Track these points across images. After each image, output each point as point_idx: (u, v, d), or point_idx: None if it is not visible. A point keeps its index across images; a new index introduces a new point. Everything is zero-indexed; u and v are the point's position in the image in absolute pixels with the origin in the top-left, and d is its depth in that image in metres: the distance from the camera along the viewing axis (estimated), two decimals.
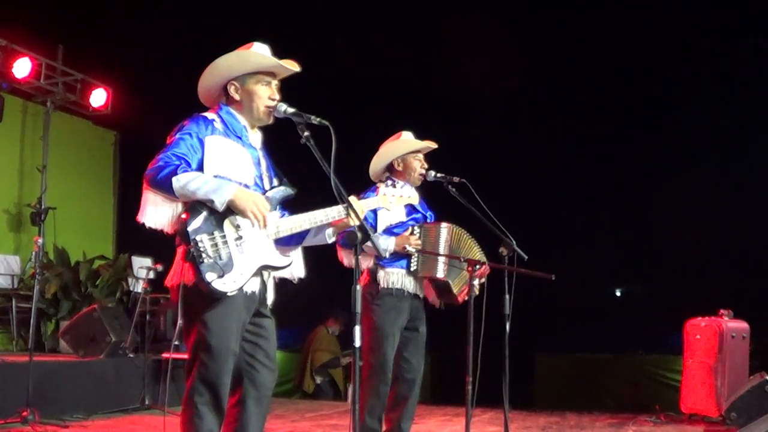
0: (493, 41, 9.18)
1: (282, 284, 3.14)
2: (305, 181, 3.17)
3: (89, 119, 10.12)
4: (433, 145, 4.42)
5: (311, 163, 2.90)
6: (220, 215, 2.85)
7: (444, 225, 4.30)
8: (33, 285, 5.81)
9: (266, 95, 3.06)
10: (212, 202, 2.80)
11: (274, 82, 3.11)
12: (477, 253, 4.30)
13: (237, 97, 3.07)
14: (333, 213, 3.05)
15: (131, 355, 6.73)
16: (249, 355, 2.96)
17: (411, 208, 4.30)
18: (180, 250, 2.86)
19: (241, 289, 2.85)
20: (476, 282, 4.20)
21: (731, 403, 5.83)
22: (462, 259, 4.15)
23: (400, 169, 4.37)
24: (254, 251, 2.91)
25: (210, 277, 2.76)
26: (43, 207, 5.71)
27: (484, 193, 4.11)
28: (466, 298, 4.11)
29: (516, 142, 9.82)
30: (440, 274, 4.26)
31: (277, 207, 3.08)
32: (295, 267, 3.12)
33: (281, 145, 3.31)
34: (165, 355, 6.57)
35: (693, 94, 9.78)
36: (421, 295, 4.38)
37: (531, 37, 9.47)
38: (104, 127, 10.49)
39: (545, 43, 9.69)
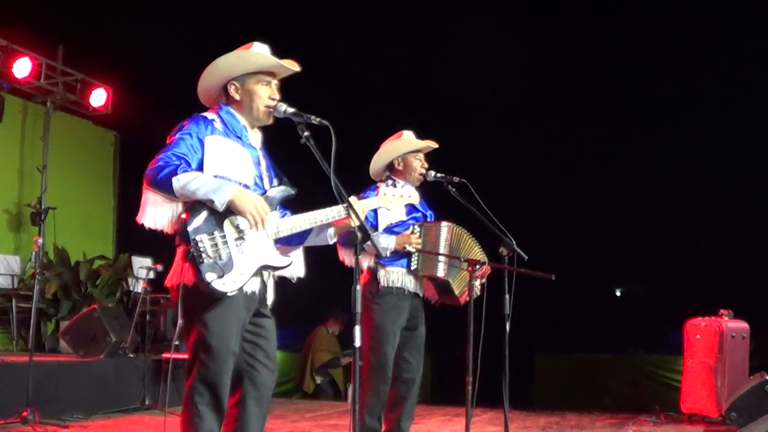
0: (493, 41, 9.18)
1: (282, 284, 3.14)
2: (305, 181, 3.17)
3: (89, 119, 10.11)
4: (434, 145, 4.42)
5: (311, 163, 2.90)
6: (220, 215, 2.85)
7: (444, 224, 4.30)
8: (33, 285, 5.81)
9: (266, 95, 3.06)
10: (212, 202, 2.80)
11: (274, 82, 3.11)
12: (478, 253, 4.31)
13: (237, 96, 3.07)
14: (333, 213, 3.05)
15: (131, 355, 6.72)
16: (249, 355, 2.96)
17: (411, 207, 4.30)
18: (180, 250, 2.86)
19: (241, 289, 2.85)
20: (477, 282, 4.20)
21: (731, 403, 5.83)
22: (462, 259, 4.15)
23: (400, 168, 4.37)
24: (254, 251, 2.91)
25: (210, 277, 2.76)
26: (43, 207, 5.72)
27: (484, 193, 4.11)
28: (468, 299, 4.11)
29: (516, 142, 9.82)
30: (440, 273, 4.27)
31: (278, 207, 3.08)
32: (294, 266, 3.12)
33: (281, 145, 3.30)
34: (165, 355, 6.57)
35: (693, 94, 9.78)
36: (421, 294, 4.39)
37: (531, 37, 9.47)
38: (104, 127, 10.49)
39: (545, 43, 9.69)
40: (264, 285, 3.02)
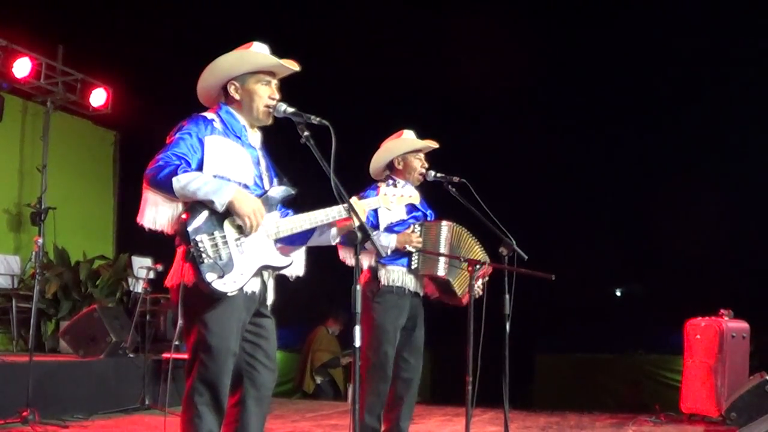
0: (493, 41, 9.18)
1: (282, 284, 3.14)
2: (305, 181, 3.17)
3: (89, 119, 10.12)
4: (434, 145, 4.42)
5: (311, 163, 2.90)
6: (221, 215, 2.84)
7: (444, 223, 4.31)
8: (33, 285, 5.81)
9: (266, 94, 3.06)
10: (212, 203, 2.80)
11: (274, 82, 3.11)
12: (478, 252, 4.31)
13: (237, 96, 3.07)
14: (333, 213, 3.05)
15: (131, 355, 6.73)
16: (249, 355, 2.96)
17: (412, 207, 4.29)
18: (180, 251, 2.86)
19: (241, 289, 2.85)
20: (480, 282, 4.20)
21: (731, 403, 5.83)
22: (462, 259, 4.15)
23: (400, 167, 4.38)
24: (254, 251, 2.91)
25: (210, 277, 2.76)
26: (43, 207, 5.72)
27: (484, 193, 4.11)
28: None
29: (516, 142, 9.82)
30: (441, 272, 4.27)
31: (278, 206, 3.08)
32: (294, 265, 3.12)
33: (281, 145, 3.30)
34: (165, 355, 6.57)
35: (693, 94, 9.77)
36: (421, 293, 4.39)
37: (531, 37, 9.47)
38: (104, 127, 10.49)
39: (545, 43, 9.69)
40: (264, 285, 3.02)
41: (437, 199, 4.47)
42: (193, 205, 2.82)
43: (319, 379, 9.24)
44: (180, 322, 2.85)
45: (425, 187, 4.37)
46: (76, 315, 6.97)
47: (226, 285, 2.79)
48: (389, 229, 4.25)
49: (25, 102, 9.20)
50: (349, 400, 5.52)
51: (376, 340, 4.20)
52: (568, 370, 10.63)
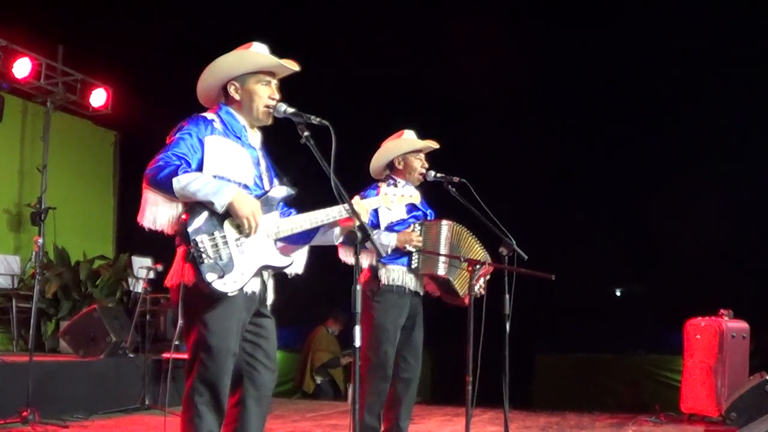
0: (493, 41, 9.18)
1: (282, 284, 3.14)
2: (305, 181, 3.17)
3: (89, 119, 10.12)
4: (434, 145, 4.42)
5: (311, 163, 2.90)
6: (221, 216, 2.84)
7: (445, 222, 4.31)
8: (33, 285, 5.81)
9: (266, 95, 3.06)
10: (212, 204, 2.80)
11: (274, 82, 3.11)
12: (479, 251, 4.31)
13: (237, 96, 3.07)
14: (334, 213, 3.05)
15: (131, 355, 6.73)
16: (249, 356, 2.96)
17: (412, 206, 4.29)
18: (180, 251, 2.86)
19: (241, 289, 2.85)
20: (481, 281, 4.20)
21: (731, 403, 5.83)
22: (462, 259, 4.15)
23: (400, 167, 4.38)
24: (255, 251, 2.91)
25: (210, 277, 2.76)
26: (43, 207, 5.72)
27: (484, 193, 4.11)
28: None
29: (516, 142, 9.82)
30: (441, 271, 4.27)
31: (279, 206, 3.08)
32: (294, 264, 3.12)
33: (281, 145, 3.30)
34: (165, 355, 6.58)
35: (693, 94, 9.77)
36: (421, 293, 4.39)
37: (531, 37, 9.47)
38: (104, 127, 10.49)
39: (545, 43, 9.69)
40: (264, 285, 3.02)
41: (437, 199, 4.47)
42: (193, 206, 2.82)
43: (319, 379, 9.24)
44: (180, 322, 2.85)
45: (425, 187, 4.37)
46: (76, 315, 6.96)
47: (226, 285, 2.79)
48: (389, 228, 4.25)
49: (25, 102, 9.20)
50: (349, 400, 5.53)
51: (376, 339, 4.20)
52: (568, 370, 10.64)
